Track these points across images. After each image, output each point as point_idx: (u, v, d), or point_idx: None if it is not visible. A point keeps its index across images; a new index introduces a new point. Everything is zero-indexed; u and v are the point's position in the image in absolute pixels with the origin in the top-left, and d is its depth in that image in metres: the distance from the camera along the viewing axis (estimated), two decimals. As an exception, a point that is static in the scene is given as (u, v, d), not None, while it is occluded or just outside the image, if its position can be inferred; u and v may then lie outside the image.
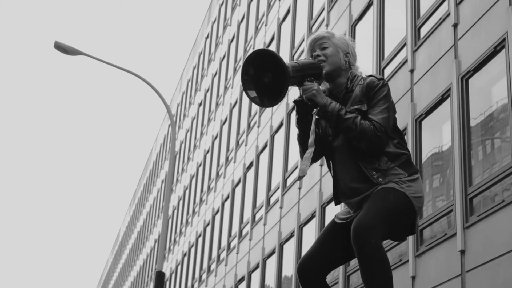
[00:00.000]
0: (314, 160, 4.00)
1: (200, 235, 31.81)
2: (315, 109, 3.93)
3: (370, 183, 3.85)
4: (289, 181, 20.62)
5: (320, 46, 4.02)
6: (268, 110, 23.78)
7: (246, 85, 3.80)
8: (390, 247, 13.64)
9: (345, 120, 3.79)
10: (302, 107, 3.97)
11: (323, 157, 4.06)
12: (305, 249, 18.52)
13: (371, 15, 16.23)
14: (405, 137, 13.61)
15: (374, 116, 3.82)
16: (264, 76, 3.78)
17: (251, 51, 27.30)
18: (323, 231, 4.05)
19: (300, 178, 3.91)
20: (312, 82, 3.87)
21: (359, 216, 3.70)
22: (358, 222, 3.64)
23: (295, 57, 21.69)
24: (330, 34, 4.06)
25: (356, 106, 3.87)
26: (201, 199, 32.83)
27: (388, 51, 15.30)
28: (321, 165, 17.80)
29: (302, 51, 21.01)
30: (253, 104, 25.98)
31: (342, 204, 4.05)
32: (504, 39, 11.04)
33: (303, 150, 3.99)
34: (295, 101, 3.99)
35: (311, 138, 3.90)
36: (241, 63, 28.87)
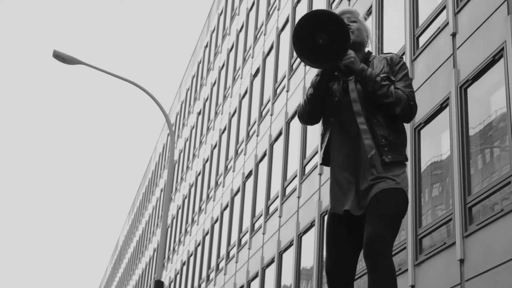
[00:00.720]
0: (315, 121, 4.04)
1: (199, 244, 31.77)
2: (343, 78, 3.95)
3: (368, 162, 3.83)
4: (288, 190, 20.61)
5: (349, 19, 4.12)
6: (267, 119, 23.79)
7: (301, 47, 3.79)
8: (389, 256, 13.63)
9: (382, 86, 3.87)
10: (329, 72, 3.96)
11: (324, 167, 4.06)
12: (304, 258, 18.50)
13: (370, 24, 16.27)
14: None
15: (403, 88, 3.93)
16: (318, 37, 3.79)
17: (250, 60, 27.35)
18: (334, 235, 3.97)
19: (370, 154, 3.85)
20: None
21: (370, 229, 3.68)
22: (370, 236, 3.66)
23: (293, 66, 21.72)
24: (357, 11, 4.18)
25: (384, 75, 3.95)
26: (200, 208, 32.80)
27: (386, 60, 15.31)
28: (320, 174, 17.80)
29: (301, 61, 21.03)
30: (252, 113, 26.09)
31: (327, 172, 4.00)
32: (502, 48, 11.06)
33: (311, 111, 3.99)
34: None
35: (356, 106, 3.88)
36: (240, 72, 28.91)
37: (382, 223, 3.71)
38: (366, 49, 4.19)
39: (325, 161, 4.02)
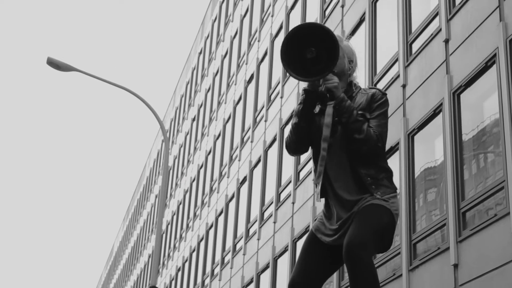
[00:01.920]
0: (302, 151, 4.03)
1: (194, 250, 31.77)
2: (326, 103, 3.93)
3: (359, 190, 3.88)
4: (282, 196, 20.65)
5: None
6: (262, 125, 23.85)
7: (288, 60, 3.75)
8: (384, 261, 13.67)
9: (356, 120, 3.85)
10: (310, 98, 3.94)
11: (315, 187, 4.06)
12: (299, 264, 18.52)
13: (363, 30, 16.35)
14: (398, 151, 13.69)
15: (375, 127, 3.90)
16: (307, 50, 3.76)
17: (244, 67, 27.40)
18: (307, 248, 4.02)
19: (318, 199, 3.95)
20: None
21: (351, 232, 3.72)
22: (351, 239, 3.68)
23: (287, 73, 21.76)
24: (339, 38, 4.07)
25: (360, 112, 3.93)
26: (195, 214, 32.81)
27: (380, 66, 15.40)
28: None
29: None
30: (246, 119, 26.13)
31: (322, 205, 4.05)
32: (495, 55, 11.14)
33: (297, 141, 3.98)
34: (306, 90, 3.94)
35: (326, 131, 3.89)
36: (234, 78, 28.96)
37: (364, 230, 3.72)
38: (354, 77, 4.11)
39: (323, 195, 4.03)
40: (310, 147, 4.07)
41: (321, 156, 3.88)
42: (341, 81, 4.02)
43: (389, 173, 3.99)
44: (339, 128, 3.92)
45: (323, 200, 4.08)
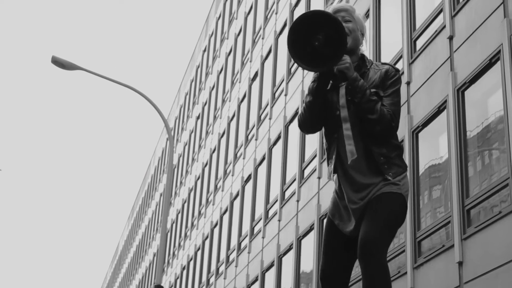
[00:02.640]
0: (317, 129, 3.95)
1: (199, 249, 31.77)
2: (342, 82, 3.85)
3: (371, 170, 3.84)
4: (287, 194, 20.63)
5: (343, 19, 3.94)
6: (266, 122, 23.83)
7: (296, 49, 3.67)
8: (388, 259, 13.64)
9: (370, 100, 3.77)
10: (324, 77, 3.84)
11: (322, 170, 4.04)
12: (304, 262, 18.51)
13: (367, 27, 16.28)
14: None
15: (388, 106, 3.84)
16: (314, 39, 3.67)
17: (248, 64, 27.37)
18: (329, 238, 3.99)
19: (352, 161, 3.82)
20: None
21: (365, 229, 3.70)
22: (365, 238, 3.66)
23: (292, 70, 21.75)
24: (352, 8, 3.99)
25: (373, 90, 3.86)
26: (199, 212, 32.81)
27: (384, 63, 15.34)
28: (319, 178, 17.82)
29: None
30: (251, 117, 26.11)
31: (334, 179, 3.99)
32: (499, 51, 11.10)
33: (312, 118, 3.89)
34: None
35: (343, 112, 3.82)
36: (238, 76, 28.95)
37: (378, 226, 3.70)
38: (362, 50, 4.03)
39: (335, 173, 3.97)
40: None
41: (346, 136, 3.78)
42: (354, 55, 3.95)
43: (400, 150, 3.93)
44: (351, 107, 3.84)
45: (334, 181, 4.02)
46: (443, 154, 12.50)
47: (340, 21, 3.67)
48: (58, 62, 17.59)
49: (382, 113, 3.78)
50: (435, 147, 13.00)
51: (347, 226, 3.92)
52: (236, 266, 24.86)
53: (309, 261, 17.95)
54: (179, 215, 38.18)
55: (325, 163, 17.21)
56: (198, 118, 36.71)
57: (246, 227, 24.53)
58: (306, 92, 3.99)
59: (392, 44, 15.07)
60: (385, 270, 3.65)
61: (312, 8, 21.20)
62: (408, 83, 13.96)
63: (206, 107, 34.98)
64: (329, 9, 3.97)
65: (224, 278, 26.26)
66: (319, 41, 3.66)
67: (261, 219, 22.76)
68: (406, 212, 3.89)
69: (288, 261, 19.59)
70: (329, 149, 3.97)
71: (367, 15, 16.42)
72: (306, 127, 3.96)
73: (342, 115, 3.81)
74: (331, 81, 3.90)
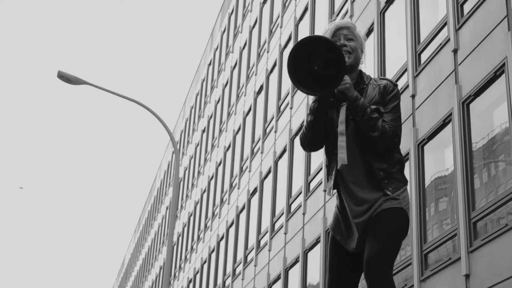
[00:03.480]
0: (318, 147, 3.99)
1: (205, 262, 31.76)
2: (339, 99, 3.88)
3: (371, 185, 3.86)
4: (293, 207, 20.64)
5: (346, 37, 3.97)
6: (271, 136, 23.87)
7: (296, 74, 3.72)
8: (395, 272, 13.64)
9: (371, 118, 3.80)
10: (325, 97, 3.89)
11: (328, 183, 4.06)
12: (310, 275, 18.50)
13: (371, 41, 16.37)
14: (408, 162, 13.67)
15: (390, 122, 3.86)
16: (313, 63, 3.71)
17: (253, 78, 27.44)
18: (333, 255, 4.02)
19: (342, 166, 3.85)
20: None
21: (369, 248, 3.72)
22: (370, 257, 3.69)
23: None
24: (354, 26, 4.02)
25: (374, 107, 3.88)
26: (205, 225, 32.81)
27: (389, 76, 15.40)
28: (325, 191, 17.84)
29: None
30: (256, 130, 26.17)
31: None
32: (504, 64, 11.14)
33: (313, 137, 3.93)
34: None
35: (341, 126, 3.85)
36: (243, 90, 29.03)
37: (381, 244, 3.72)
38: (360, 66, 4.04)
39: (335, 188, 4.02)
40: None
41: (339, 146, 3.81)
42: (354, 72, 3.96)
43: (402, 164, 3.95)
44: (351, 123, 3.88)
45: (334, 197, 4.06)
46: (448, 167, 12.52)
47: (336, 44, 3.71)
48: (64, 77, 17.66)
49: (384, 130, 3.81)
50: (440, 160, 13.02)
51: (350, 242, 3.95)
52: (242, 279, 24.85)
53: (316, 274, 17.94)
54: (185, 228, 38.18)
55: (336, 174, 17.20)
56: (203, 131, 36.78)
57: (252, 240, 24.54)
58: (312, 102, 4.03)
59: (396, 58, 15.12)
60: (394, 286, 3.68)
61: (316, 22, 21.28)
62: (413, 96, 14.00)
63: (211, 121, 35.05)
64: (332, 25, 4.01)
65: (231, 292, 26.23)
66: (318, 65, 3.70)
67: (267, 232, 22.77)
68: (408, 225, 3.91)
69: (295, 274, 19.58)
70: (329, 165, 4.02)
71: (371, 28, 16.48)
72: (308, 145, 4.01)
73: (339, 130, 3.84)
74: (331, 100, 3.93)
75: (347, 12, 18.37)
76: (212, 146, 33.90)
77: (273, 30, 26.10)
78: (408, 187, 3.99)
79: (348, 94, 3.81)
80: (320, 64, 3.70)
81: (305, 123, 4.02)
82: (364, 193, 3.88)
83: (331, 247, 4.06)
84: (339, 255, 4.00)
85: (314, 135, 3.94)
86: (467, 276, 11.30)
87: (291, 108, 21.98)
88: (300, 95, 21.17)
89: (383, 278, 3.64)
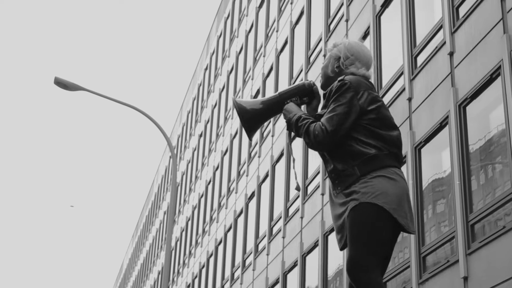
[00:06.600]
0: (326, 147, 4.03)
1: (203, 266, 31.76)
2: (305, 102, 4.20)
3: (336, 185, 3.87)
4: (291, 211, 20.66)
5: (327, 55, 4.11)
6: (269, 140, 23.90)
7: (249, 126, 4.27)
8: (393, 275, 13.67)
9: (299, 127, 3.84)
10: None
11: (326, 186, 4.12)
12: (308, 279, 18.51)
13: (367, 44, 16.40)
14: (405, 165, 13.69)
15: (324, 118, 3.76)
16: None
17: (250, 82, 27.50)
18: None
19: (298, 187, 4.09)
20: (289, 102, 4.02)
21: (348, 253, 3.75)
22: (348, 259, 3.72)
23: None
24: (331, 46, 4.06)
25: (318, 113, 3.91)
26: (203, 230, 32.82)
27: (385, 80, 15.44)
28: (322, 194, 17.86)
29: (301, 81, 21.16)
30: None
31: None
32: (499, 67, 11.18)
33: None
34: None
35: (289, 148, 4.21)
36: (240, 94, 29.05)
37: (353, 249, 3.68)
38: (354, 70, 3.94)
39: None
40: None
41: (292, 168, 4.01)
42: (330, 84, 3.92)
43: (364, 156, 3.73)
44: None
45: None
46: (446, 169, 12.56)
47: (239, 116, 4.15)
48: (61, 83, 17.67)
49: (306, 130, 3.80)
50: (437, 163, 13.05)
51: (339, 242, 3.92)
52: (241, 284, 24.85)
53: (314, 278, 17.95)
54: (183, 233, 38.17)
55: (328, 180, 17.25)
56: (200, 136, 36.79)
57: (250, 245, 24.54)
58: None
59: (393, 61, 15.16)
60: (373, 285, 3.60)
61: (312, 26, 21.31)
62: (409, 99, 14.04)
63: (208, 125, 35.08)
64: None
65: (229, 296, 26.23)
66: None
67: (265, 236, 22.78)
68: (378, 215, 3.64)
69: (293, 278, 19.59)
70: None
71: (367, 32, 16.52)
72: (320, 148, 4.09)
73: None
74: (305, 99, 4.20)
75: (343, 16, 18.41)
76: (210, 150, 33.91)
77: (269, 34, 26.14)
78: (382, 178, 3.67)
79: (284, 119, 4.02)
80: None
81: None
82: (335, 190, 3.87)
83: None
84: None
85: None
86: (465, 279, 11.32)
87: (288, 112, 21.99)
88: (297, 99, 21.17)
89: (360, 278, 3.61)
